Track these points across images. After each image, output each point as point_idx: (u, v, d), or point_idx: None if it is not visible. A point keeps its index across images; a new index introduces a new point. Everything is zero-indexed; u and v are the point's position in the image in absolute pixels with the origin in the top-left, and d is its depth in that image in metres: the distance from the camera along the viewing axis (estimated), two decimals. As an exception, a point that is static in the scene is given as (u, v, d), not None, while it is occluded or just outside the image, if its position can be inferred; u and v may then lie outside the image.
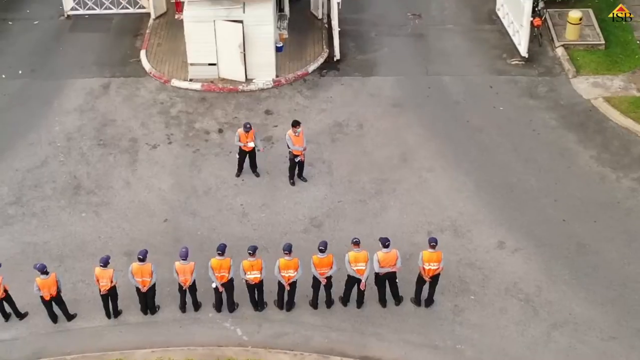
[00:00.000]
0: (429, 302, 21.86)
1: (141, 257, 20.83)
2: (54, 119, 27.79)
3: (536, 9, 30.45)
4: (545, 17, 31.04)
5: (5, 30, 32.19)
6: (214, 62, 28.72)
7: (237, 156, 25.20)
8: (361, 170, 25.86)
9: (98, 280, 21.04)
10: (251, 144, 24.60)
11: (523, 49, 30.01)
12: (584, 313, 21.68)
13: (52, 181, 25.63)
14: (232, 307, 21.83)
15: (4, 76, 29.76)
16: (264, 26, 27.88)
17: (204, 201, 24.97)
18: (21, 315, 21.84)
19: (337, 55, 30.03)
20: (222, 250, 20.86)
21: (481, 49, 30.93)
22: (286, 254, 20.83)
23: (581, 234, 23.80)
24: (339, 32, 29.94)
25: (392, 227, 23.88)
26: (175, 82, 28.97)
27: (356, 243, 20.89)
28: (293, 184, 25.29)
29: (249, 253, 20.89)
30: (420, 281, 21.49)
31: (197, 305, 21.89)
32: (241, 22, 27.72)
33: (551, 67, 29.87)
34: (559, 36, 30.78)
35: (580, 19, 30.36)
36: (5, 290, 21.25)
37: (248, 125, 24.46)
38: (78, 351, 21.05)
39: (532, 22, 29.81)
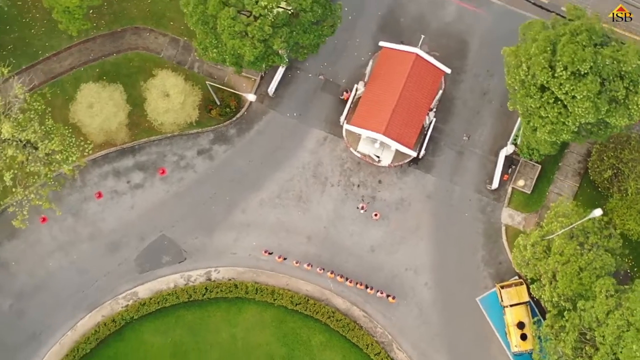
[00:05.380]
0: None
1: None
2: (299, 154, 70.80)
3: (511, 167, 69.01)
4: (514, 171, 69.27)
5: (297, 78, 71.85)
6: (367, 152, 70.09)
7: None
8: (398, 230, 69.72)
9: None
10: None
11: (495, 184, 69.51)
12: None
13: (292, 191, 70.29)
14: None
15: (287, 115, 71.47)
16: (388, 152, 68.91)
17: (340, 220, 69.60)
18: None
19: (420, 155, 70.44)
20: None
21: (482, 172, 70.33)
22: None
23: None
24: (426, 133, 69.68)
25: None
26: (352, 150, 70.71)
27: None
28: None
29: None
30: (386, 299, 68.10)
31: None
32: (378, 157, 68.82)
33: (502, 196, 69.92)
34: (515, 181, 69.76)
35: (524, 186, 68.76)
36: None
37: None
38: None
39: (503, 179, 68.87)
